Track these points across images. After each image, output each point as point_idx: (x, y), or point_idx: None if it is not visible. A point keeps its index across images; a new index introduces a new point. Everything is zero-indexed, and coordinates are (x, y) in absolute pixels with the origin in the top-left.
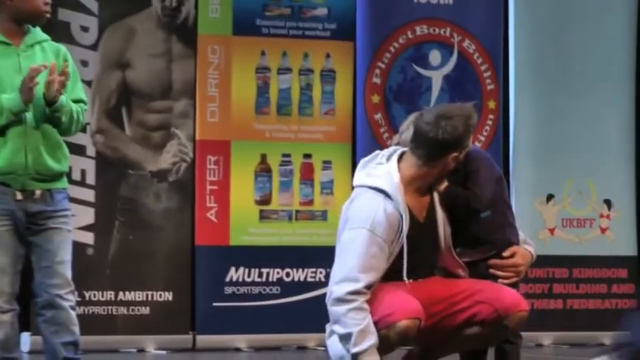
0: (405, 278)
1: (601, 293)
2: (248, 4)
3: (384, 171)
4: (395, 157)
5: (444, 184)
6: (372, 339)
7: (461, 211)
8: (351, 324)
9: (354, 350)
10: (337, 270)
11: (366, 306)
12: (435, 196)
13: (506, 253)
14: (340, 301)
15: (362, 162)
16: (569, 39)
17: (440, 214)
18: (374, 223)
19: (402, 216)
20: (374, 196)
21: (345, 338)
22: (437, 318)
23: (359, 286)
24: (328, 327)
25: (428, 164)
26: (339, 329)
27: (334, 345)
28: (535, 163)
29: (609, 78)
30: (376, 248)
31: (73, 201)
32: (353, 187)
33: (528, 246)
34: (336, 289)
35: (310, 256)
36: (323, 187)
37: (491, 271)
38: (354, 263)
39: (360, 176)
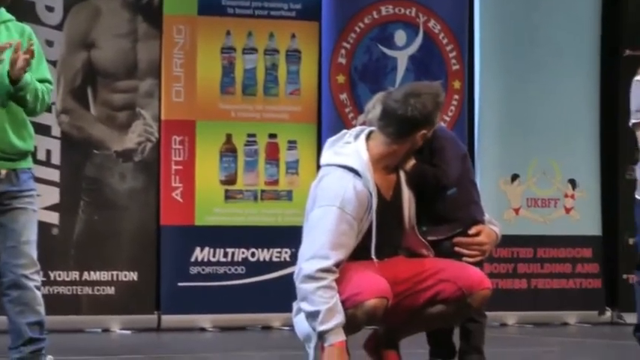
0: (372, 256)
1: (565, 273)
2: None
3: (352, 149)
4: (363, 136)
5: (411, 162)
6: (338, 318)
7: (430, 188)
8: (319, 302)
9: (321, 328)
10: (307, 247)
11: (334, 285)
12: (402, 174)
13: (471, 231)
14: (310, 278)
15: (329, 141)
16: (535, 19)
17: (406, 193)
18: (344, 201)
19: (371, 194)
20: (343, 174)
21: (312, 316)
22: (401, 297)
23: (329, 263)
24: (295, 305)
25: (397, 142)
26: (306, 307)
27: (301, 323)
28: (500, 143)
29: (574, 59)
30: (346, 226)
31: (38, 181)
32: (319, 166)
33: (494, 226)
34: (305, 266)
35: (275, 236)
36: (288, 167)
37: (456, 249)
38: (324, 240)
39: (328, 155)
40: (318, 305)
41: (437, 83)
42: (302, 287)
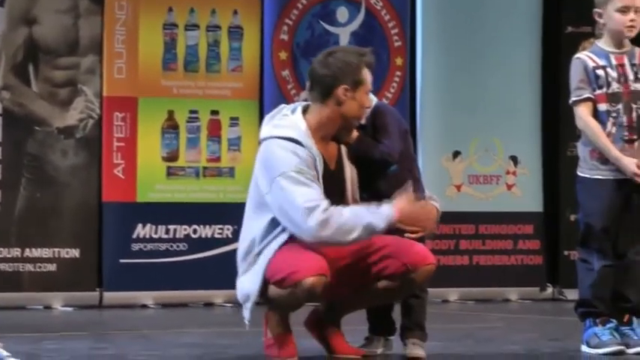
0: None
1: (507, 249)
2: None
3: (290, 121)
4: (299, 109)
5: (354, 135)
6: (384, 209)
7: (374, 163)
8: (354, 223)
9: (383, 224)
10: (293, 215)
11: (339, 209)
12: (343, 149)
13: None
14: (323, 224)
15: (267, 117)
16: None
17: (348, 167)
18: (291, 165)
19: (315, 159)
20: (285, 144)
21: (368, 229)
22: (345, 273)
23: (322, 205)
24: (241, 265)
25: (324, 103)
26: (357, 233)
27: (243, 284)
28: (442, 119)
29: (516, 36)
30: (304, 179)
31: None
32: (260, 142)
33: (434, 202)
34: (309, 225)
35: (217, 212)
36: (230, 144)
37: (399, 225)
38: (300, 199)
39: (267, 129)
40: (359, 222)
41: (366, 48)
42: (332, 235)
